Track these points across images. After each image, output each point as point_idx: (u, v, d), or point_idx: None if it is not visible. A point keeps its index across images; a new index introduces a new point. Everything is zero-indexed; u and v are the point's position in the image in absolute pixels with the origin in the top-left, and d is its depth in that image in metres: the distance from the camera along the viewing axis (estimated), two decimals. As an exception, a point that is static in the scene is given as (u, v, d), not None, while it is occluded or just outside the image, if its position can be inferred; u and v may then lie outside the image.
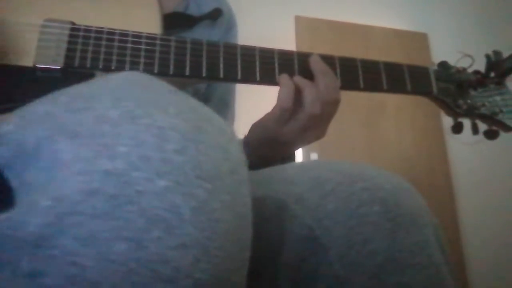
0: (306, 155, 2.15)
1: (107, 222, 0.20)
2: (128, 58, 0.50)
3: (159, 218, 0.21)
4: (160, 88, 0.27)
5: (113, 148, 0.22)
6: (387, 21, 2.57)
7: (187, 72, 0.51)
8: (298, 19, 2.41)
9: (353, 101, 2.14)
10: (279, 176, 0.41)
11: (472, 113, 0.63)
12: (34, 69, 0.47)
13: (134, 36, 0.51)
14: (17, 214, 0.20)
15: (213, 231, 0.22)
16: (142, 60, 0.50)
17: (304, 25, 2.40)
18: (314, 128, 0.54)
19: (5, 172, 0.23)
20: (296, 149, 0.58)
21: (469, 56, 0.63)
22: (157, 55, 0.51)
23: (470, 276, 2.31)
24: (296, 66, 0.56)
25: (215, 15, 0.72)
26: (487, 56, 0.67)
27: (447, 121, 2.83)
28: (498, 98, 0.66)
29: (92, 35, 0.50)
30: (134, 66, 0.50)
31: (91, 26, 0.50)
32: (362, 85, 0.57)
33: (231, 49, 0.54)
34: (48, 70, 0.48)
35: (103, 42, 0.50)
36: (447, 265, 0.36)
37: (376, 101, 2.38)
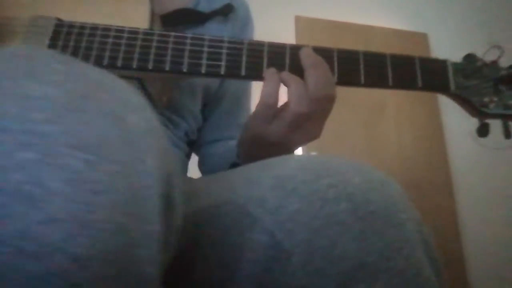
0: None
1: None
2: (107, 53, 0.49)
3: (22, 193, 0.19)
4: (46, 58, 0.25)
5: None
6: (387, 21, 2.57)
7: (167, 68, 0.49)
8: (298, 19, 2.42)
9: (353, 101, 2.19)
10: (242, 178, 0.37)
11: (502, 112, 0.54)
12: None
13: (116, 31, 0.50)
14: None
15: (92, 203, 0.21)
16: (121, 55, 0.49)
17: (304, 25, 2.45)
18: (304, 127, 0.49)
19: None
20: (293, 150, 0.53)
21: (498, 47, 0.54)
22: (137, 49, 0.49)
23: (470, 275, 2.31)
24: (287, 60, 0.51)
25: (226, 10, 0.70)
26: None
27: (447, 121, 2.53)
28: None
29: (75, 30, 0.50)
30: (112, 61, 0.49)
31: (76, 22, 0.50)
32: (363, 81, 0.51)
33: (217, 43, 0.51)
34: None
35: (85, 38, 0.49)
36: (433, 265, 0.32)
37: (376, 100, 2.37)
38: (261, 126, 0.49)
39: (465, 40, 2.45)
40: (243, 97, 0.77)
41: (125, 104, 0.25)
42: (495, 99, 0.55)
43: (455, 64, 0.55)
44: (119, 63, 0.49)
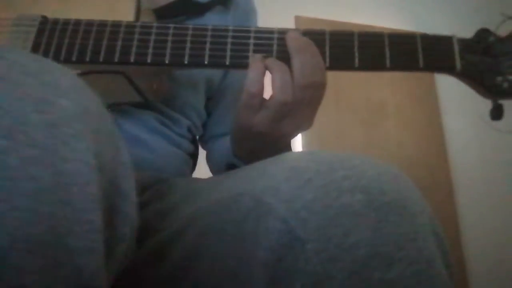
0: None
1: None
2: (89, 48, 0.48)
3: None
4: None
5: None
6: (387, 21, 2.53)
7: (149, 60, 0.48)
8: (298, 19, 2.40)
9: (353, 101, 2.18)
10: (258, 170, 0.37)
11: (518, 92, 0.49)
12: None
13: (98, 25, 0.49)
14: None
15: (8, 191, 0.20)
16: (103, 50, 0.48)
17: (304, 25, 2.41)
18: (292, 116, 0.46)
19: None
20: (284, 140, 0.51)
21: (512, 18, 0.49)
22: (119, 43, 0.48)
23: (470, 275, 2.31)
24: (274, 46, 0.48)
25: (224, 0, 0.68)
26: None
27: (447, 121, 2.51)
28: None
29: (59, 27, 0.49)
30: (94, 55, 0.48)
31: (59, 19, 0.50)
32: (357, 64, 0.48)
33: (200, 31, 0.49)
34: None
35: (68, 34, 0.49)
36: (444, 259, 0.32)
37: (376, 100, 2.34)
38: (247, 116, 0.47)
39: (464, 40, 2.43)
40: None
41: (54, 88, 0.24)
42: (510, 77, 0.49)
43: (462, 41, 0.50)
44: (101, 58, 0.48)
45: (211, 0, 0.67)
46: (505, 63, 0.49)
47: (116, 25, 0.49)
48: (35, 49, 0.48)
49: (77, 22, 0.49)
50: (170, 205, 0.45)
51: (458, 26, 2.68)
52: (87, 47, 0.48)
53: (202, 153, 0.75)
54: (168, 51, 0.48)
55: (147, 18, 0.57)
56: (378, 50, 0.48)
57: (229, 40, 0.49)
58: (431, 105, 2.50)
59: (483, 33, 0.52)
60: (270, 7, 2.39)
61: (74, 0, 0.55)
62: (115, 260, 0.27)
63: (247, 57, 0.48)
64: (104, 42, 0.48)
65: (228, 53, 0.48)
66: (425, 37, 0.49)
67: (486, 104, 0.50)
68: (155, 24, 0.49)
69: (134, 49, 0.48)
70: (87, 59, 0.48)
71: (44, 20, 0.50)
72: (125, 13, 0.53)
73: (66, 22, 0.50)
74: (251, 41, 0.49)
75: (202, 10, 0.67)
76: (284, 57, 0.47)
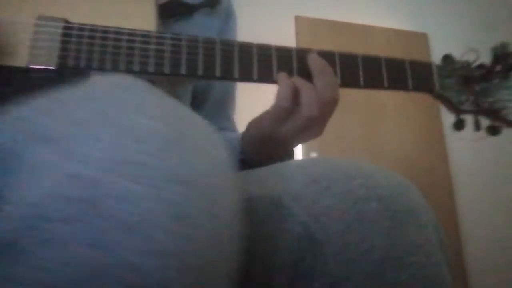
0: (306, 154, 2.16)
1: (73, 226, 0.20)
2: (122, 58, 0.49)
3: (129, 224, 0.20)
4: (144, 90, 0.26)
5: (82, 150, 0.21)
6: (387, 21, 2.57)
7: (183, 71, 0.50)
8: (298, 19, 2.40)
9: (353, 101, 2.16)
10: (276, 174, 0.40)
11: (475, 109, 0.62)
12: (27, 69, 0.47)
13: (128, 34, 0.50)
14: None
15: (191, 238, 0.21)
16: (136, 59, 0.49)
17: (304, 25, 2.40)
18: (311, 128, 0.53)
19: None
20: (293, 147, 0.57)
21: (474, 50, 0.61)
22: (151, 53, 0.50)
23: (470, 275, 2.30)
24: (294, 64, 0.54)
25: (213, 2, 0.71)
26: (494, 49, 0.65)
27: (447, 121, 2.69)
28: (504, 92, 0.65)
29: (86, 33, 0.49)
30: (129, 65, 0.49)
31: (85, 24, 0.49)
32: (362, 83, 0.56)
33: (228, 46, 0.53)
34: (42, 71, 0.47)
35: (97, 41, 0.49)
36: (448, 266, 0.35)
37: (376, 100, 2.36)
38: (274, 127, 0.52)
39: (465, 40, 2.41)
40: (230, 89, 0.79)
41: (209, 140, 0.27)
42: (470, 96, 0.62)
43: (438, 66, 0.61)
44: (136, 67, 0.49)
45: (201, 2, 0.70)
46: (468, 85, 0.62)
47: (146, 35, 0.50)
48: (62, 57, 0.47)
49: (105, 30, 0.49)
50: None
51: (457, 25, 2.70)
52: (120, 56, 0.49)
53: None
54: (200, 64, 0.51)
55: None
56: (377, 72, 0.57)
57: (255, 56, 0.53)
58: (431, 105, 2.49)
59: (448, 59, 0.64)
60: (270, 7, 2.36)
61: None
62: None
63: (271, 73, 0.53)
64: (136, 52, 0.49)
65: (255, 69, 0.53)
66: (411, 63, 0.59)
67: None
68: (184, 36, 0.52)
69: (167, 60, 0.50)
70: (122, 67, 0.48)
71: (68, 25, 0.49)
72: (140, 14, 0.54)
73: (93, 29, 0.49)
74: (274, 57, 0.54)
75: (191, 11, 0.69)
76: (303, 74, 0.53)
